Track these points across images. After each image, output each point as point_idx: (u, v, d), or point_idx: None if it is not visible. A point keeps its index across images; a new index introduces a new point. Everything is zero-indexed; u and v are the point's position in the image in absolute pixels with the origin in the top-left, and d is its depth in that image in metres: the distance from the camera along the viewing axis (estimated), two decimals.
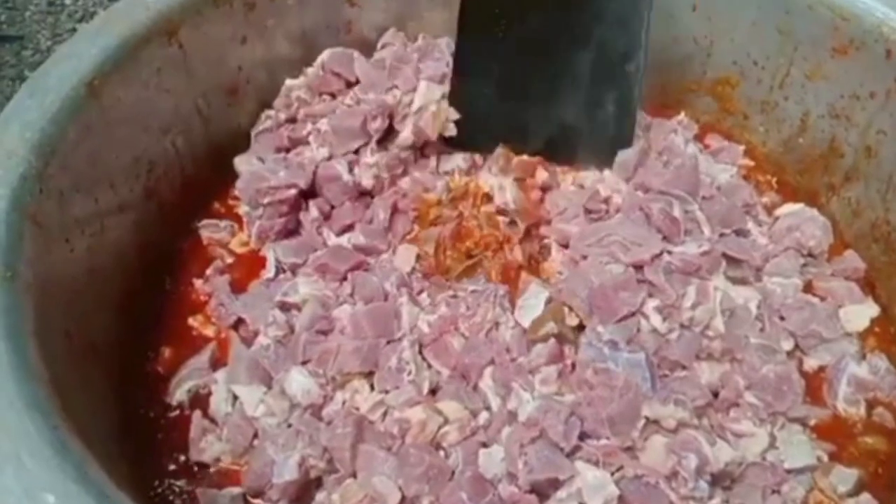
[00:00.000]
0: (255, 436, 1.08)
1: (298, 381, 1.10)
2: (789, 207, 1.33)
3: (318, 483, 1.06)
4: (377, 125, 1.29)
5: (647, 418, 1.06)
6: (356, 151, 1.30)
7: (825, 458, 1.08)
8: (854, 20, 1.22)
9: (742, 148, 1.42)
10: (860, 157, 1.28)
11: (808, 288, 1.25)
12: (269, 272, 1.24)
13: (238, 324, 1.20)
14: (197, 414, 1.11)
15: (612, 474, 1.03)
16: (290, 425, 1.08)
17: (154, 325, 1.20)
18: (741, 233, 1.25)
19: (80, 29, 1.14)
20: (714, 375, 1.13)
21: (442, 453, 1.05)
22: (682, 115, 1.44)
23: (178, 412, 1.13)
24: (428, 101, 1.30)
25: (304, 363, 1.12)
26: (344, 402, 1.10)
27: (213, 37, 1.26)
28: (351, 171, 1.29)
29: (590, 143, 1.33)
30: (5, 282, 0.89)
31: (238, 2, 1.27)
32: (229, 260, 1.29)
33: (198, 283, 1.26)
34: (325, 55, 1.37)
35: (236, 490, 1.04)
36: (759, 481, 1.05)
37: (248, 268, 1.28)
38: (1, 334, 0.85)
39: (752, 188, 1.33)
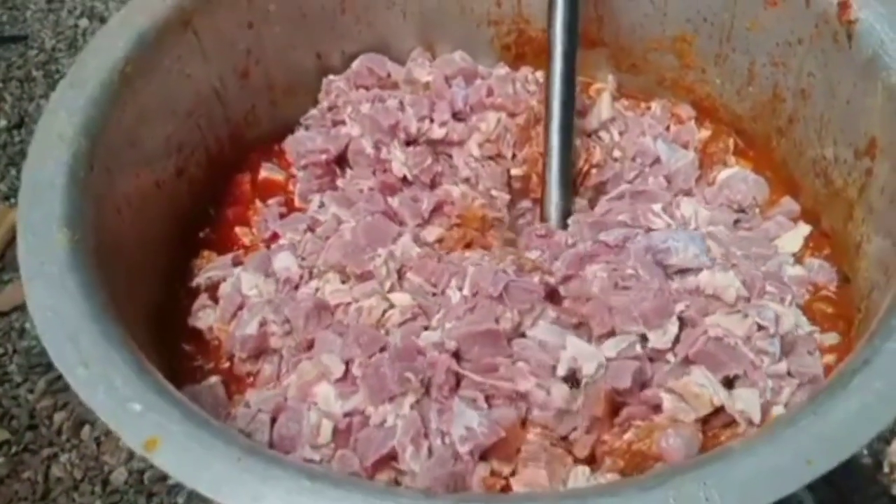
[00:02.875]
0: (241, 307, 1.25)
1: (282, 259, 1.27)
2: (726, 172, 1.46)
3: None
4: (403, 136, 1.45)
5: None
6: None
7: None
8: None
9: (693, 124, 1.54)
10: (798, 99, 1.40)
11: None
12: (312, 210, 1.40)
13: (271, 240, 1.38)
14: (203, 295, 1.30)
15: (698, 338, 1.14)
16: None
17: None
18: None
19: (106, 25, 1.30)
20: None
21: (383, 331, 1.18)
22: (654, 107, 1.57)
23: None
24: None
25: (303, 258, 1.29)
26: (317, 290, 1.25)
27: (223, 23, 1.40)
28: (377, 148, 1.43)
29: None
30: (75, 244, 1.05)
31: None
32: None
33: (258, 204, 1.45)
34: (360, 58, 1.55)
35: (213, 379, 1.20)
36: (803, 348, 1.18)
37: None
38: (79, 288, 1.01)
39: (698, 171, 1.45)
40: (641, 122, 1.52)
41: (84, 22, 2.95)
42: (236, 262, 1.34)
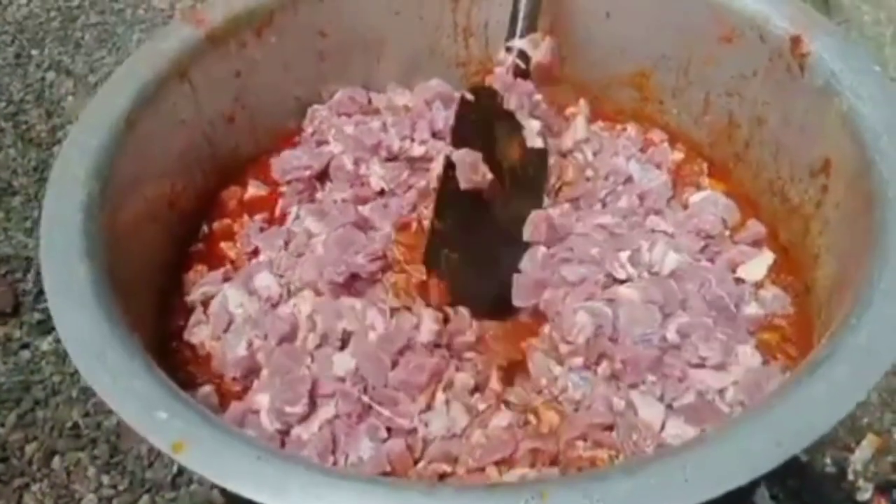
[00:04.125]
0: (230, 326, 1.34)
1: (262, 278, 1.37)
2: (698, 195, 1.51)
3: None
4: (385, 154, 1.55)
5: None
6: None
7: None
8: (733, 14, 1.43)
9: (665, 146, 1.60)
10: (753, 126, 1.49)
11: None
12: (289, 224, 1.49)
13: (253, 254, 1.46)
14: (199, 309, 1.38)
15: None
16: None
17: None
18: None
19: (111, 76, 1.39)
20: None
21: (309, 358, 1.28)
22: (629, 129, 1.63)
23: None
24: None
25: (280, 276, 1.38)
26: (294, 306, 1.33)
27: (215, 73, 1.50)
28: (357, 164, 1.53)
29: None
30: (93, 266, 1.15)
31: (233, 43, 1.51)
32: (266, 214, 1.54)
33: (245, 218, 1.53)
34: (342, 90, 1.66)
35: (207, 388, 1.28)
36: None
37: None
38: (100, 310, 1.10)
39: (671, 191, 1.51)
40: (616, 143, 1.59)
41: (51, 75, 3.00)
42: (226, 278, 1.42)
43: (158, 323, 1.38)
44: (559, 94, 1.68)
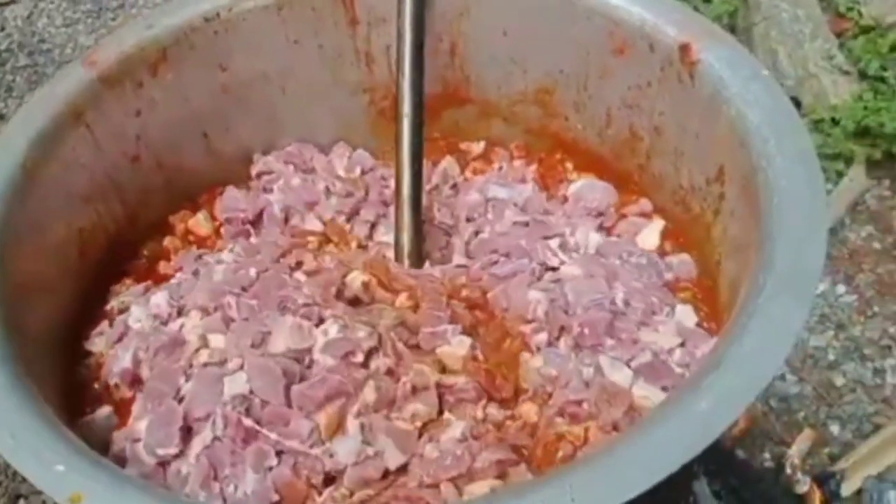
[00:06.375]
0: (122, 337, 1.36)
1: (156, 297, 1.38)
2: (575, 185, 1.58)
3: None
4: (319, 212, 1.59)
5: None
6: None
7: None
8: (623, 24, 1.44)
9: (521, 162, 1.66)
10: (653, 137, 1.50)
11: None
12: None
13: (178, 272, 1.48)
14: (104, 323, 1.40)
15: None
16: None
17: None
18: None
19: (8, 124, 1.39)
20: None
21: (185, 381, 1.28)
22: (502, 164, 1.68)
23: None
24: None
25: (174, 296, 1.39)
26: (181, 326, 1.35)
27: (112, 114, 1.49)
28: (290, 215, 1.58)
29: None
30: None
31: (128, 83, 1.50)
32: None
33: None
34: (294, 143, 1.70)
35: (107, 408, 1.30)
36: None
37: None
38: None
39: (543, 195, 1.58)
40: (472, 183, 1.64)
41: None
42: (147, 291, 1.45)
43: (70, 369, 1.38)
44: (464, 118, 1.72)
